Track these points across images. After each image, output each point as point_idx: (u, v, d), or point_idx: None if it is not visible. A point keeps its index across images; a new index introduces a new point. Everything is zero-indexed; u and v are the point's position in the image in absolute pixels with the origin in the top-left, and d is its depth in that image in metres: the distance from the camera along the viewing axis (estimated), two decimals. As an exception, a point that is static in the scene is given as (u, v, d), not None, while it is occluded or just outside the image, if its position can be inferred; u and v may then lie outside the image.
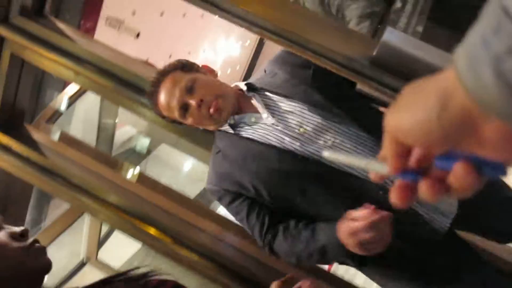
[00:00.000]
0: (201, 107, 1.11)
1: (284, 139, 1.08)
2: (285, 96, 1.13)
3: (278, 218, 1.13)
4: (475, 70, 0.26)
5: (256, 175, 1.09)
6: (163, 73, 1.18)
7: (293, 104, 1.11)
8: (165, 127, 1.47)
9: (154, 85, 1.19)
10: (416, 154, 0.34)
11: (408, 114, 0.32)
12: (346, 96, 1.17)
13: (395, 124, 0.33)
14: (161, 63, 1.32)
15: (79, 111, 2.53)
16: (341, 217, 0.98)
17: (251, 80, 1.22)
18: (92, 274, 2.46)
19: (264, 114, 1.12)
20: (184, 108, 1.13)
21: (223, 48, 6.13)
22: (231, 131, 1.15)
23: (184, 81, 1.13)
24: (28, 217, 2.00)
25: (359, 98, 1.26)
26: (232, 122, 1.15)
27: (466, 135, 0.29)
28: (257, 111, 1.14)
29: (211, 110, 1.11)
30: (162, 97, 1.15)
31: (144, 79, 1.40)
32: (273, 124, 1.10)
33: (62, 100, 1.99)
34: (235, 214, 1.17)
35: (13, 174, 1.58)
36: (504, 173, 0.30)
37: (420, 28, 2.33)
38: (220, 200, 1.19)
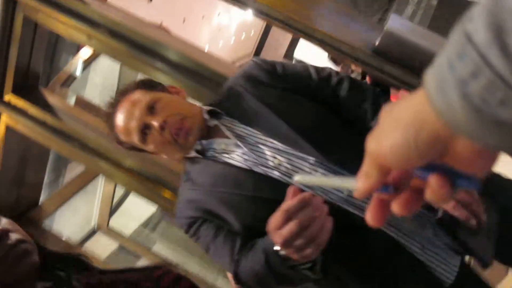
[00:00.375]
0: (164, 130, 0.98)
1: (259, 170, 0.93)
2: (251, 126, 0.98)
3: (251, 240, 0.93)
4: (443, 92, 0.28)
5: (225, 202, 0.94)
6: (123, 92, 1.05)
7: (260, 135, 0.96)
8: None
9: (111, 106, 1.05)
10: (394, 173, 0.37)
11: (386, 139, 0.33)
12: (322, 122, 0.99)
13: (375, 149, 0.35)
14: (174, 28, 1.29)
15: (94, 75, 2.54)
16: (327, 254, 0.78)
17: (215, 102, 1.07)
18: (103, 242, 2.52)
19: (233, 141, 0.98)
20: (145, 131, 1.00)
21: (238, 13, 6.01)
22: (201, 157, 1.01)
23: (146, 100, 1.00)
24: (46, 180, 2.05)
25: (339, 116, 1.04)
26: (199, 148, 1.01)
27: (440, 155, 0.31)
28: (227, 137, 1.00)
29: (175, 133, 0.98)
30: (120, 118, 1.02)
31: (157, 42, 1.39)
32: (245, 153, 0.96)
33: (76, 64, 1.99)
34: (202, 240, 0.99)
35: (30, 137, 1.61)
36: (477, 186, 0.32)
37: (434, 1, 2.24)
38: (187, 231, 1.02)
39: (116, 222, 2.67)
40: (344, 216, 0.89)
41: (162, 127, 0.98)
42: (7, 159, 1.70)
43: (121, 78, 2.54)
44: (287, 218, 0.70)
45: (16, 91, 1.59)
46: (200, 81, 1.38)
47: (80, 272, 0.83)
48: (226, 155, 0.98)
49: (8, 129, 1.62)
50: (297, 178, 0.50)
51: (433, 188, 0.33)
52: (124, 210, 2.91)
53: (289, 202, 0.71)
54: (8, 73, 1.56)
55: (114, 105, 1.04)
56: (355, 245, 0.89)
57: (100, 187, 2.43)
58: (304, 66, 1.09)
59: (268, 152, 0.94)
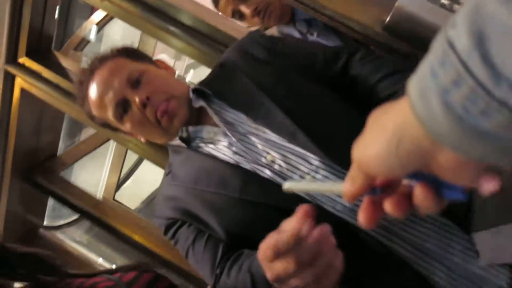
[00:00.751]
0: (146, 108, 0.84)
1: (248, 166, 0.79)
2: (242, 111, 0.83)
3: (235, 249, 0.80)
4: (426, 101, 0.27)
5: (207, 203, 0.81)
6: (101, 58, 0.90)
7: (252, 122, 0.82)
8: (193, 55, 1.44)
9: (85, 72, 0.90)
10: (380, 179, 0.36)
11: (370, 147, 0.33)
12: (327, 110, 0.82)
13: (359, 156, 0.34)
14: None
15: (107, 39, 2.51)
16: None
17: (205, 81, 0.92)
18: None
19: (222, 129, 0.83)
20: (123, 106, 0.86)
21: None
22: (185, 146, 0.87)
23: (129, 70, 0.86)
24: (61, 144, 2.07)
25: (344, 100, 0.87)
26: (184, 135, 0.87)
27: (424, 165, 0.30)
28: (216, 125, 0.85)
29: (159, 113, 0.84)
30: (94, 88, 0.87)
31: (170, 5, 1.36)
32: (233, 144, 0.81)
33: (89, 27, 1.97)
34: (181, 244, 0.86)
35: (44, 101, 1.61)
36: (463, 196, 0.32)
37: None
38: (165, 233, 0.89)
39: (125, 193, 2.69)
40: (351, 233, 0.72)
41: (143, 104, 0.84)
42: (22, 122, 1.71)
43: (141, 44, 2.51)
44: (283, 252, 0.51)
45: (30, 54, 1.58)
46: (213, 45, 1.36)
47: (45, 274, 0.71)
48: (212, 146, 0.84)
49: (23, 92, 1.62)
50: (287, 186, 0.47)
51: (418, 197, 0.33)
52: (133, 182, 2.93)
53: (285, 236, 0.50)
54: (21, 36, 1.55)
55: (88, 72, 0.90)
56: (365, 269, 0.74)
57: (111, 152, 2.44)
58: (311, 44, 0.96)
59: (259, 146, 0.79)
